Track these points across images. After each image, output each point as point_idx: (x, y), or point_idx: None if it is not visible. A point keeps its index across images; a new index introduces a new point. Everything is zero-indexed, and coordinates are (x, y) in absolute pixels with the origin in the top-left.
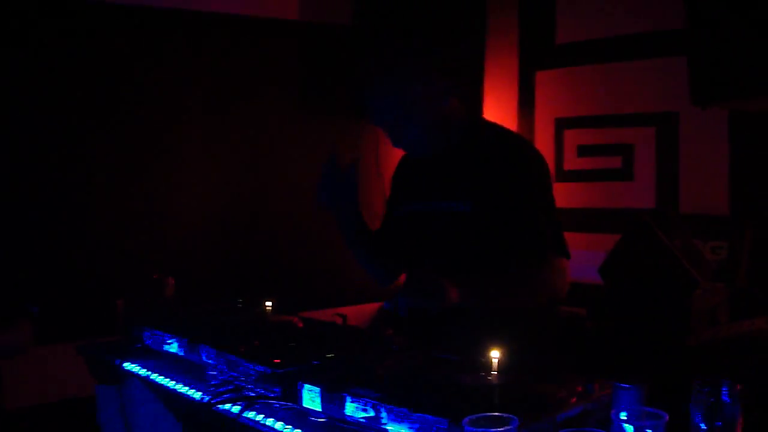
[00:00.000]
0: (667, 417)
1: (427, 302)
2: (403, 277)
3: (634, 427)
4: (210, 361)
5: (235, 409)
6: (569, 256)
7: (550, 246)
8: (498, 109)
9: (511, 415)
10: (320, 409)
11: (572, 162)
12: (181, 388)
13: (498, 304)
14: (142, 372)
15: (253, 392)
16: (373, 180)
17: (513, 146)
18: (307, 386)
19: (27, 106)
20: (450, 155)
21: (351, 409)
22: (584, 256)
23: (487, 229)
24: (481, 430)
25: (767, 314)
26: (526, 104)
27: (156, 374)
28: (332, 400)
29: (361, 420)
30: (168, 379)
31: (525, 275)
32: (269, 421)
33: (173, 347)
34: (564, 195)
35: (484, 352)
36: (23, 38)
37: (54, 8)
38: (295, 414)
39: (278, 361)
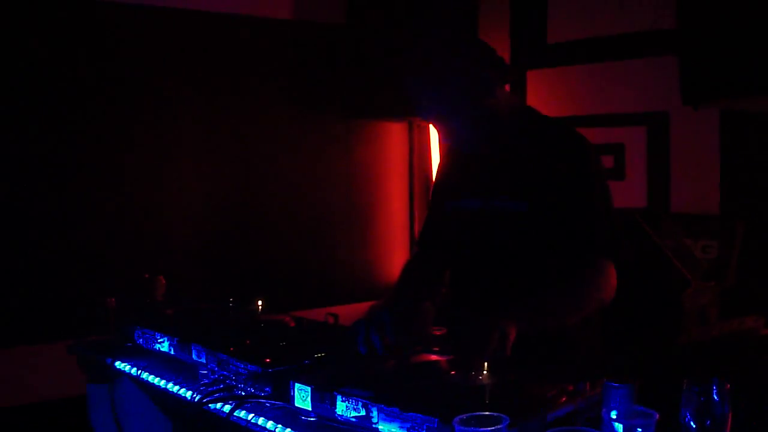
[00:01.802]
0: (658, 416)
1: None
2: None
3: (625, 426)
4: (201, 360)
5: (226, 408)
6: (618, 257)
7: (601, 250)
8: None
9: (501, 415)
10: (311, 409)
11: None
12: (172, 387)
13: (556, 325)
14: (134, 371)
15: (243, 391)
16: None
17: (569, 142)
18: (298, 385)
19: (16, 105)
20: (503, 150)
21: (342, 408)
22: None
23: (543, 230)
24: (471, 429)
25: (757, 313)
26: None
27: (147, 373)
28: (323, 400)
29: (352, 419)
30: (159, 378)
31: (578, 289)
32: (260, 420)
33: (164, 346)
34: None
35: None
36: (14, 35)
37: (44, 6)
38: (286, 413)
39: (269, 360)
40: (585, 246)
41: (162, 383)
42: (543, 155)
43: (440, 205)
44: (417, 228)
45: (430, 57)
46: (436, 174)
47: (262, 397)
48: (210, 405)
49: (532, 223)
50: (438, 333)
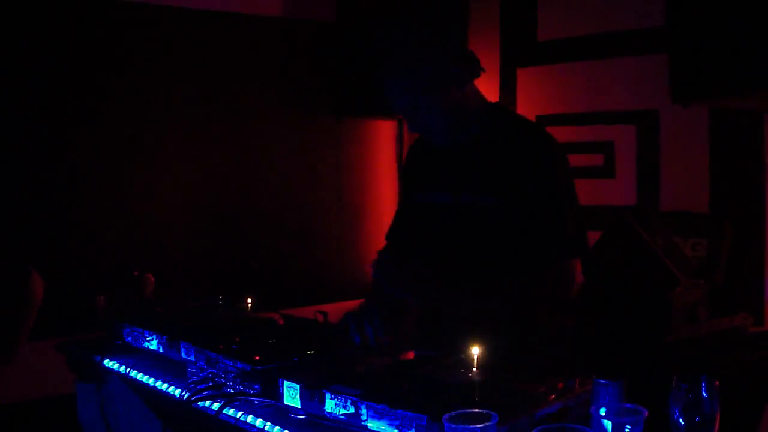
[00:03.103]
0: (647, 413)
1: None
2: None
3: (614, 423)
4: (190, 358)
5: (215, 406)
6: (585, 254)
7: (566, 248)
8: None
9: (490, 412)
10: (300, 406)
11: None
12: (161, 385)
13: (496, 314)
14: (122, 369)
15: (232, 389)
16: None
17: (538, 141)
18: (287, 383)
19: (6, 103)
20: (471, 145)
21: (331, 405)
22: None
23: (508, 226)
24: (460, 426)
25: (746, 311)
26: (507, 101)
27: (136, 371)
28: (312, 397)
29: (341, 417)
30: (148, 376)
31: (528, 287)
32: (249, 418)
33: (153, 344)
34: None
35: (466, 349)
36: (2, 34)
37: (40, 4)
38: (275, 411)
39: (258, 358)
40: (549, 244)
41: (151, 381)
42: (511, 152)
43: (409, 198)
44: None
45: (400, 48)
46: (404, 167)
47: (251, 395)
48: (199, 403)
49: (498, 220)
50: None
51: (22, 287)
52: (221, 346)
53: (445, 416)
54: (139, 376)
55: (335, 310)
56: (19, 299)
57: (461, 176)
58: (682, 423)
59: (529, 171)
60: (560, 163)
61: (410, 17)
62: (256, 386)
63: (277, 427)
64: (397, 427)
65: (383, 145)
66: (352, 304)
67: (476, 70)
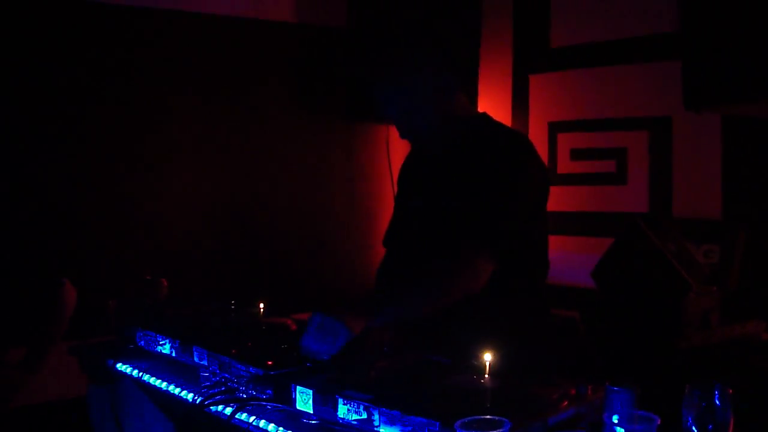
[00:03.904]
0: (659, 420)
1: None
2: None
3: (626, 430)
4: (202, 363)
5: (228, 410)
6: (495, 255)
7: (476, 242)
8: (491, 112)
9: (502, 418)
10: (312, 411)
11: (565, 165)
12: (174, 389)
13: (423, 313)
14: (135, 373)
15: (245, 394)
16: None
17: (503, 141)
18: (299, 388)
19: (20, 106)
20: (452, 152)
21: (343, 411)
22: (577, 259)
23: (441, 221)
24: None
25: (759, 318)
26: (519, 108)
27: (148, 375)
28: (325, 402)
29: (353, 422)
30: (160, 380)
31: (433, 281)
32: (261, 423)
33: (166, 348)
34: (557, 198)
35: (477, 356)
36: (11, 38)
37: (53, 7)
38: (288, 416)
39: (271, 362)
40: (461, 238)
41: (163, 385)
42: (479, 155)
43: (396, 203)
44: None
45: (394, 57)
46: (398, 173)
47: (264, 400)
48: (211, 407)
49: (435, 217)
50: None
51: (54, 298)
52: (234, 351)
53: (458, 422)
54: (152, 380)
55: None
56: (51, 310)
57: (432, 182)
58: (695, 431)
59: (482, 168)
60: (516, 161)
61: (403, 27)
62: (269, 391)
63: None
64: None
65: (396, 149)
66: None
67: (465, 80)
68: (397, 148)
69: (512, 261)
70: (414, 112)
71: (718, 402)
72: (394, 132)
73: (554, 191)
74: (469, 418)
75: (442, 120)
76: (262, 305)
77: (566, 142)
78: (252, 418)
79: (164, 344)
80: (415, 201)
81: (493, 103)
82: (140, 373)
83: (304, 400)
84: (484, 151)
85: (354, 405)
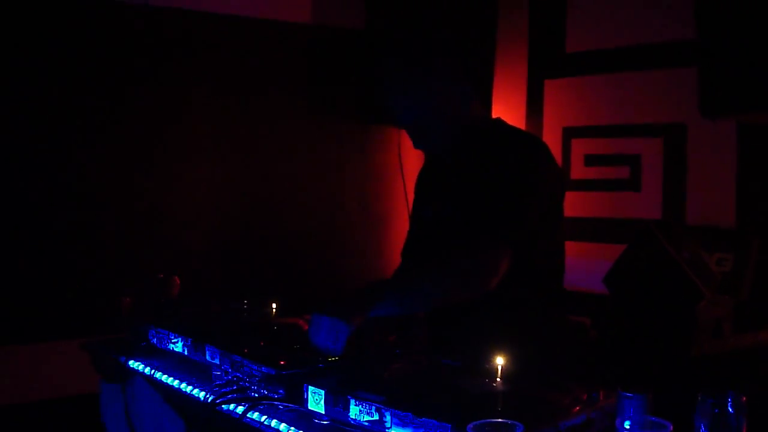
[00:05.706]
0: (671, 427)
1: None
2: None
3: None
4: (215, 361)
5: (239, 409)
6: (512, 246)
7: (490, 235)
8: (506, 117)
9: (515, 422)
10: (324, 412)
11: (579, 171)
12: (185, 388)
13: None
14: (147, 370)
15: (257, 393)
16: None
17: (515, 142)
18: (311, 388)
19: (34, 105)
20: (466, 160)
21: (355, 412)
22: (590, 265)
23: (459, 230)
24: None
25: None
26: (534, 113)
27: (160, 373)
28: (336, 403)
29: (365, 423)
30: (172, 378)
31: (449, 269)
32: (273, 423)
33: (178, 346)
34: (570, 204)
35: (489, 359)
36: (30, 36)
37: (75, 7)
38: (299, 416)
39: (283, 362)
40: (475, 229)
41: (175, 383)
42: (494, 160)
43: (413, 214)
44: None
45: (411, 63)
46: (414, 184)
47: (276, 400)
48: (223, 406)
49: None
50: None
51: None
52: (246, 350)
53: (470, 425)
54: (164, 378)
55: None
56: None
57: (448, 191)
58: None
59: (495, 169)
60: (527, 159)
61: (420, 33)
62: (281, 391)
63: None
64: None
65: (410, 153)
66: None
67: (481, 89)
68: (409, 152)
69: (529, 264)
70: (429, 119)
71: (731, 409)
72: (406, 135)
73: (568, 197)
74: (482, 421)
75: (457, 128)
76: (274, 305)
77: (580, 147)
78: (263, 418)
79: (177, 342)
80: (433, 210)
81: (507, 108)
82: (152, 371)
83: (315, 401)
84: (499, 155)
85: (366, 406)
